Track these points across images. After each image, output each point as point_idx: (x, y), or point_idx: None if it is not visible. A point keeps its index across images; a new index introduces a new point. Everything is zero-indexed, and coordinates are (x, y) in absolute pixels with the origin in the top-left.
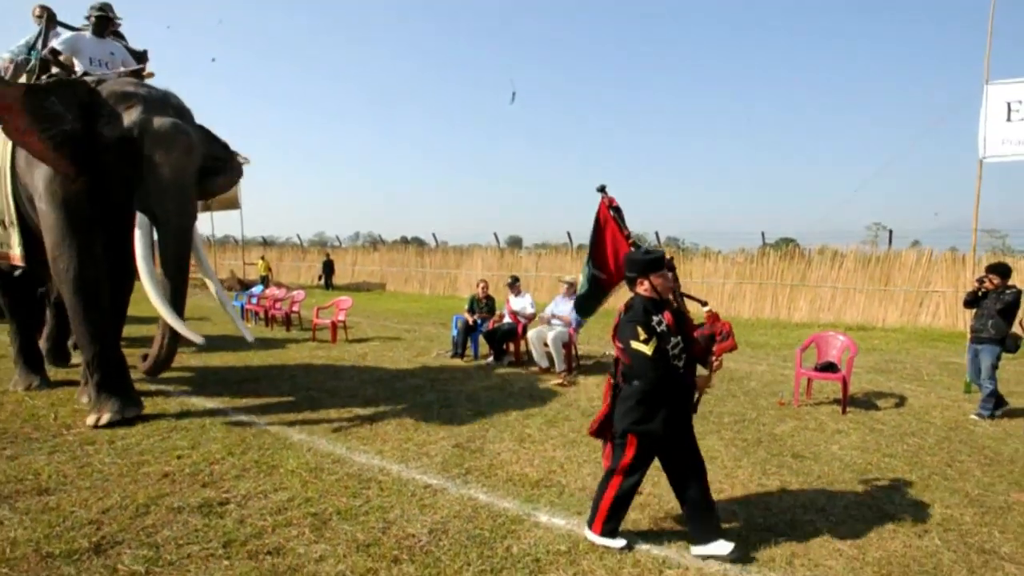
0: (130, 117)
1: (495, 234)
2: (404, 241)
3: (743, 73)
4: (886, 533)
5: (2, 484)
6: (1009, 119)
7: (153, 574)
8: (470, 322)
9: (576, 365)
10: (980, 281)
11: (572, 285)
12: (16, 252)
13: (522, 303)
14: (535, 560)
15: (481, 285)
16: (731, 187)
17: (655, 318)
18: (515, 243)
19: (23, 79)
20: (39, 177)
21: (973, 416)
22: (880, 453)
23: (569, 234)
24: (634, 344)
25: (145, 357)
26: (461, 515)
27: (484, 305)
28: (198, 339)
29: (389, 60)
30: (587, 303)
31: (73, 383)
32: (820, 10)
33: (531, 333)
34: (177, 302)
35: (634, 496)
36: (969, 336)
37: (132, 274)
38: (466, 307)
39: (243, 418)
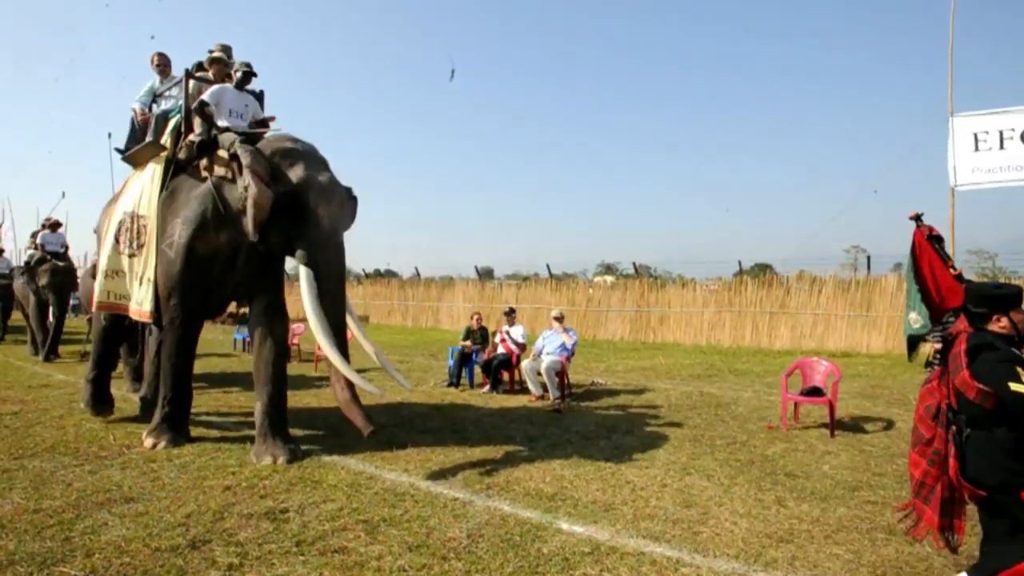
0: (296, 173)
1: (476, 267)
2: (378, 273)
3: (712, 96)
4: (879, 541)
5: (94, 494)
6: (977, 149)
7: (246, 565)
8: (468, 350)
9: (569, 393)
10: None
11: (561, 319)
12: (147, 309)
13: (515, 333)
14: (564, 559)
15: (475, 317)
16: (701, 213)
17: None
18: (487, 274)
19: (169, 129)
20: (176, 229)
21: None
22: (870, 472)
23: (548, 266)
24: (1013, 386)
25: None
26: (491, 523)
27: (479, 335)
28: (374, 390)
29: (346, 98)
30: (915, 340)
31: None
32: (792, 34)
33: (525, 363)
34: (343, 348)
35: None
36: None
37: (284, 310)
38: (462, 337)
39: None
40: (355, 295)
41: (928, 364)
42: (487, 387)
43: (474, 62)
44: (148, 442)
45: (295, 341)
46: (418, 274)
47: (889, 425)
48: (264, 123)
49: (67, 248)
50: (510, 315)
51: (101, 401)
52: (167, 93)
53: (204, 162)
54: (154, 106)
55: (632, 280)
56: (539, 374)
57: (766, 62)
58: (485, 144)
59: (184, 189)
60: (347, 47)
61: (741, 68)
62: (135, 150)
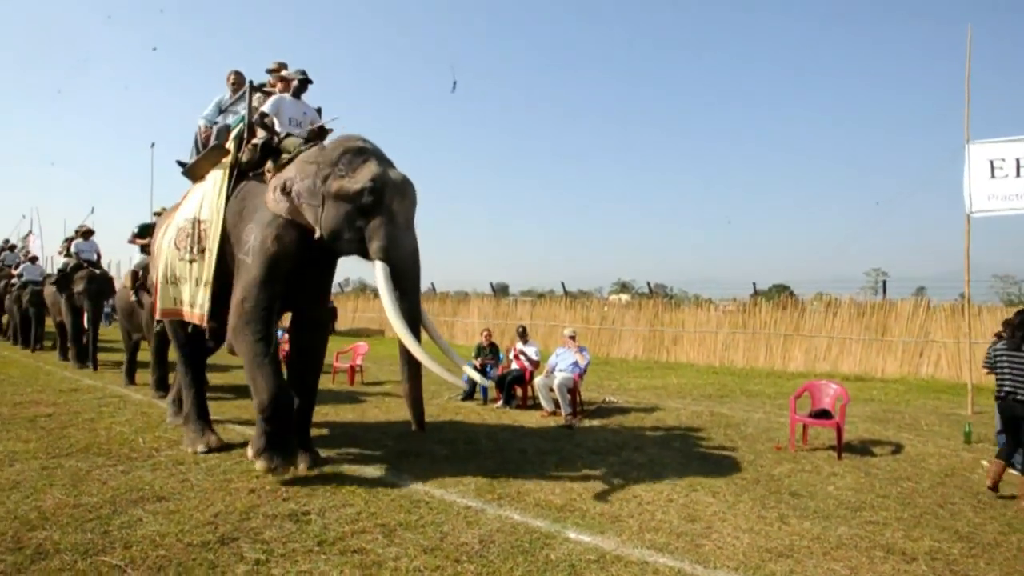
0: (369, 170)
1: (491, 283)
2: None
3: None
4: (877, 559)
5: (128, 492)
6: (993, 176)
7: (272, 561)
8: (477, 366)
9: (580, 409)
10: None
11: (574, 337)
12: (201, 312)
13: (530, 350)
14: (571, 566)
15: (484, 333)
16: (719, 233)
17: None
18: (502, 290)
19: (232, 137)
20: (252, 234)
21: (984, 463)
22: (874, 494)
23: (564, 284)
24: None
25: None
26: (503, 530)
27: (488, 351)
28: (459, 381)
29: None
30: None
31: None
32: (809, 59)
33: (538, 380)
34: (418, 335)
35: None
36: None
37: (326, 324)
38: (473, 354)
39: None
40: (371, 308)
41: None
42: (500, 402)
43: (495, 82)
44: (260, 465)
45: (358, 362)
46: (433, 289)
47: (897, 449)
48: (323, 131)
49: (99, 256)
50: (522, 335)
51: (207, 431)
52: (232, 108)
53: (269, 166)
54: (219, 120)
55: (647, 299)
56: (551, 390)
57: (786, 87)
58: (502, 161)
59: (253, 194)
60: (349, 57)
61: (761, 95)
62: (195, 161)
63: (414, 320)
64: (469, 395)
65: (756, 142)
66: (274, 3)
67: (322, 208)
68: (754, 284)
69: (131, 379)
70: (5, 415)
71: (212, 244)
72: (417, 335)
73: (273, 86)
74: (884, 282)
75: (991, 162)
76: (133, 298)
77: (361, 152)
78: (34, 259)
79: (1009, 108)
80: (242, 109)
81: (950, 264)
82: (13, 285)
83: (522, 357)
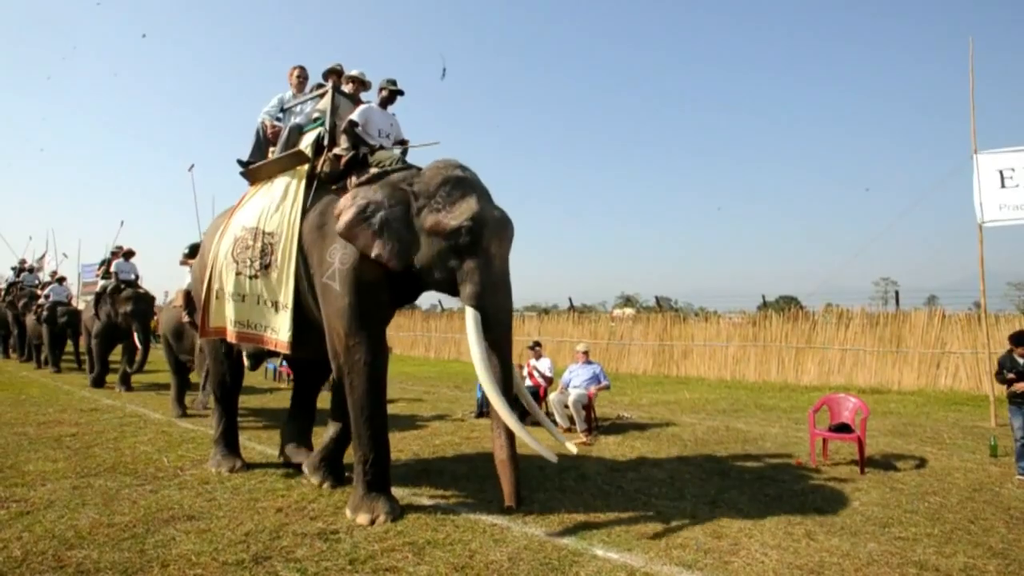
0: (468, 206)
1: None
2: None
3: (735, 130)
4: None
5: (159, 511)
6: (1003, 186)
7: None
8: None
9: (596, 425)
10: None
11: (587, 352)
12: (283, 338)
13: (543, 366)
14: None
15: None
16: (721, 246)
17: None
18: None
19: (305, 144)
20: (337, 255)
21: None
22: (901, 509)
23: (570, 299)
24: None
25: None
26: (530, 547)
27: None
28: (549, 455)
29: None
30: None
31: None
32: (819, 70)
33: (552, 396)
34: (510, 401)
35: None
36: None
37: (387, 351)
38: None
39: None
40: None
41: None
42: None
43: (496, 96)
44: (362, 518)
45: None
46: (441, 306)
47: (921, 463)
48: (404, 143)
49: (138, 276)
50: (535, 349)
51: (232, 455)
52: (297, 108)
53: (355, 180)
54: (281, 119)
55: (654, 313)
56: (566, 407)
57: (797, 98)
58: (502, 176)
59: (335, 210)
60: (348, 48)
61: (771, 105)
62: (264, 163)
63: (507, 379)
64: (483, 413)
65: (758, 152)
66: None
67: (415, 243)
68: (763, 296)
69: (182, 408)
70: (31, 435)
71: (287, 263)
72: (510, 392)
73: (347, 84)
74: (897, 292)
75: (1000, 172)
76: (186, 319)
77: (460, 184)
78: (61, 279)
79: (1018, 117)
80: (310, 109)
81: (960, 273)
82: (41, 306)
83: (535, 373)
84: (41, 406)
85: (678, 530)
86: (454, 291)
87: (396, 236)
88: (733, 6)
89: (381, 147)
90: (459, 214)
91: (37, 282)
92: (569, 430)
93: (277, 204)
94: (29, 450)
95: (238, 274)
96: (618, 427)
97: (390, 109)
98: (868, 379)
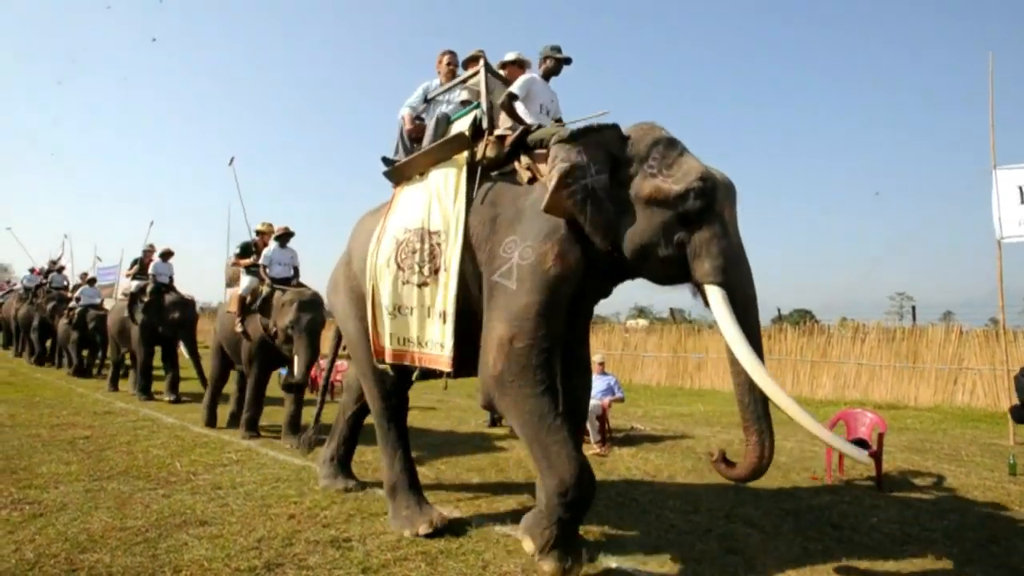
0: (693, 166)
1: None
2: None
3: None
4: None
5: (171, 516)
6: (1023, 202)
7: None
8: None
9: (609, 437)
10: None
11: (602, 364)
12: (446, 354)
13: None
14: None
15: None
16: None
17: None
18: None
19: (456, 131)
20: (515, 250)
21: None
22: (919, 527)
23: None
24: None
25: None
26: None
27: None
28: (861, 455)
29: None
30: None
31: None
32: (835, 77)
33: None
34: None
35: None
36: None
37: (590, 368)
38: None
39: None
40: None
41: None
42: None
43: None
44: (551, 567)
45: (339, 378)
46: None
47: (939, 481)
48: (560, 122)
49: (172, 279)
50: (599, 365)
51: (346, 477)
52: (443, 97)
53: (525, 162)
54: (424, 112)
55: (668, 325)
56: None
57: (811, 106)
58: None
59: (507, 198)
60: (353, 52)
61: (785, 113)
62: (412, 157)
63: (760, 357)
64: (495, 422)
65: (772, 161)
66: None
67: (628, 216)
68: (779, 309)
69: (214, 417)
70: (45, 437)
71: (451, 263)
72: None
73: (503, 71)
74: (913, 307)
75: (1020, 188)
76: (238, 328)
77: (673, 144)
78: (92, 281)
79: None
80: (457, 96)
81: (976, 289)
82: (72, 308)
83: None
84: (55, 408)
85: (692, 544)
86: (676, 273)
87: (603, 208)
88: (744, 8)
89: (540, 126)
90: (683, 176)
91: (66, 283)
92: (583, 442)
93: (439, 199)
94: (42, 452)
95: (404, 283)
96: (632, 439)
97: (552, 83)
98: (884, 394)
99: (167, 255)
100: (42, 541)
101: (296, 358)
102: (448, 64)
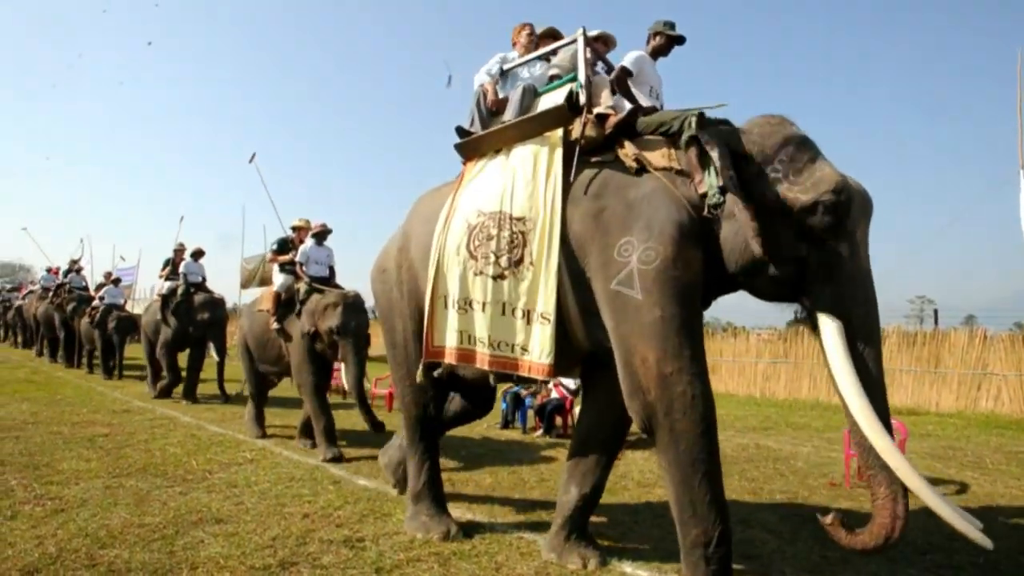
0: (827, 174)
1: None
2: None
3: None
4: None
5: (188, 513)
6: None
7: None
8: (523, 395)
9: (567, 433)
10: None
11: None
12: (543, 361)
13: (568, 379)
14: None
15: None
16: None
17: None
18: None
19: (549, 101)
20: (634, 252)
21: None
22: (942, 535)
23: None
24: None
25: None
26: (557, 562)
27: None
28: (976, 531)
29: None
30: None
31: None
32: (859, 82)
33: (579, 409)
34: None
35: None
36: None
37: None
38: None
39: (342, 474)
40: None
41: None
42: (540, 431)
43: None
44: None
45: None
46: None
47: (962, 488)
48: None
49: (204, 279)
50: None
51: (444, 512)
52: (522, 70)
53: (630, 148)
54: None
55: None
56: None
57: (830, 105)
58: None
59: (611, 189)
60: (350, 51)
61: (804, 113)
62: (500, 127)
63: (882, 409)
64: (507, 424)
65: None
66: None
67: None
68: (795, 312)
69: (262, 429)
70: (66, 434)
71: (545, 258)
72: (888, 427)
73: (596, 41)
74: (936, 311)
75: None
76: (274, 326)
77: (805, 145)
78: (116, 281)
79: None
80: (541, 70)
81: (999, 292)
82: (96, 308)
83: (562, 385)
84: (75, 406)
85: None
86: (787, 292)
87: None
88: (763, 8)
89: (653, 108)
90: (814, 184)
91: (84, 284)
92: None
93: (525, 181)
94: (64, 449)
95: (477, 274)
96: (644, 442)
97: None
98: (904, 399)
99: (198, 254)
100: (63, 536)
101: (344, 366)
102: (528, 35)
